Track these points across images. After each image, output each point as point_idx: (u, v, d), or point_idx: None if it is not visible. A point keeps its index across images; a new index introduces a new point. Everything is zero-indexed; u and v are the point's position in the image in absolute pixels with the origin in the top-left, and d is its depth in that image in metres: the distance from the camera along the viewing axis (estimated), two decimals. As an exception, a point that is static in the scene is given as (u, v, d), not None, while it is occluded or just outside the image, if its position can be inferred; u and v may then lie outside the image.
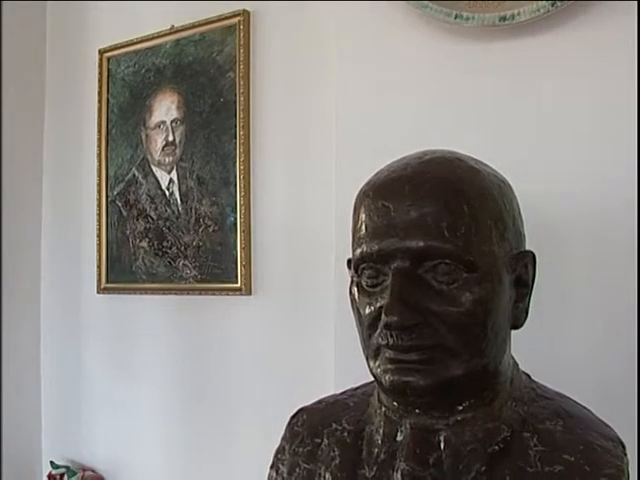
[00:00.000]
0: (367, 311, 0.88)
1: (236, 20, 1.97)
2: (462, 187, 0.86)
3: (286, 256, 1.91)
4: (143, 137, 2.19)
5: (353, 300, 0.92)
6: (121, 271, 2.22)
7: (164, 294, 2.12)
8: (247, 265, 1.95)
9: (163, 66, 2.14)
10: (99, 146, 2.28)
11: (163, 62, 2.14)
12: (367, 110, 1.55)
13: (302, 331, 1.86)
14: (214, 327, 2.04)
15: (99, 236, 2.27)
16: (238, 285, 1.95)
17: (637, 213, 1.24)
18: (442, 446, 0.88)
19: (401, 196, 0.86)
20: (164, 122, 2.13)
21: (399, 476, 0.88)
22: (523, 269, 0.91)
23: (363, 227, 0.88)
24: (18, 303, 2.37)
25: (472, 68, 1.42)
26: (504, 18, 1.33)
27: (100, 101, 2.28)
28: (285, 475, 1.03)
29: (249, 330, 1.97)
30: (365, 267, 0.88)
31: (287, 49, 1.93)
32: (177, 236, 2.09)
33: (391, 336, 0.84)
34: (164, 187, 2.13)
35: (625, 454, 0.88)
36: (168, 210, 2.11)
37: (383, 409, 0.94)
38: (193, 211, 2.06)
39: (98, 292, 2.28)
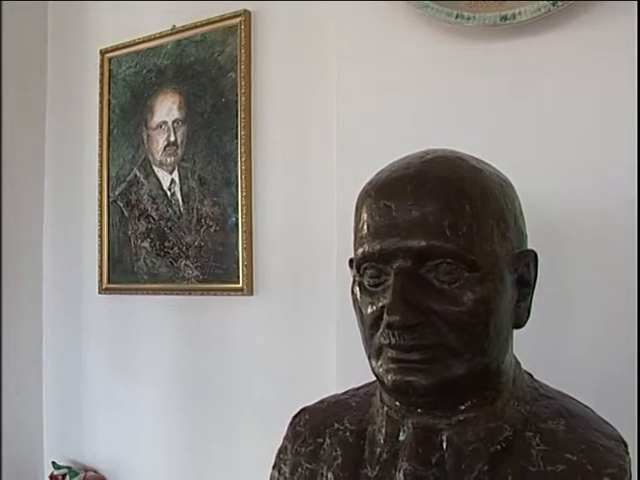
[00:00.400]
0: (369, 311, 0.88)
1: (237, 20, 1.97)
2: (464, 186, 0.86)
3: (288, 256, 1.91)
4: (144, 137, 2.19)
5: (355, 300, 0.92)
6: (123, 271, 2.23)
7: (166, 294, 2.12)
8: (249, 265, 1.95)
9: (164, 66, 2.14)
10: (100, 146, 2.28)
11: (164, 62, 2.14)
12: (368, 110, 1.55)
13: (304, 331, 1.86)
14: (216, 327, 2.04)
15: (100, 236, 2.27)
16: (240, 285, 1.95)
17: (637, 213, 1.24)
18: (444, 446, 0.88)
19: (403, 196, 0.86)
20: (165, 122, 2.13)
21: (401, 476, 0.88)
22: (525, 268, 0.91)
23: (365, 227, 0.88)
24: (20, 303, 2.37)
25: (473, 68, 1.42)
26: (505, 18, 1.33)
27: (101, 101, 2.28)
28: (287, 475, 1.03)
29: (251, 330, 1.97)
30: (367, 267, 0.88)
31: (288, 49, 1.93)
32: (179, 236, 2.09)
33: (393, 336, 0.84)
34: (166, 187, 2.13)
35: (627, 453, 0.88)
36: (170, 210, 2.12)
37: (385, 409, 0.94)
38: (195, 211, 2.06)
39: (99, 292, 2.28)
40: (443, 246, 0.84)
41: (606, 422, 0.92)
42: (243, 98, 1.96)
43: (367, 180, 0.93)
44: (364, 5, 1.54)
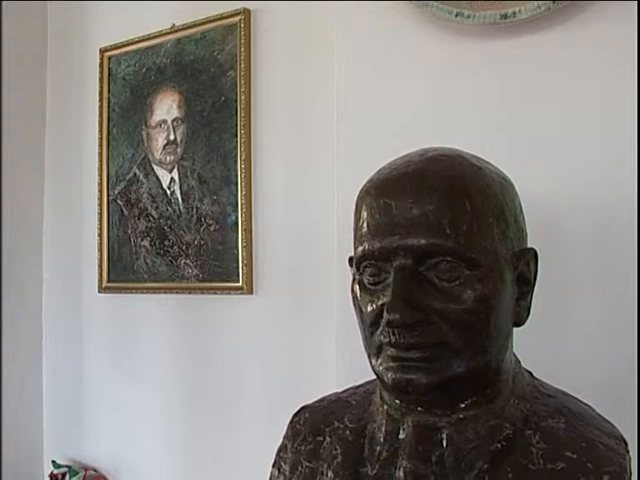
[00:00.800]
0: (369, 309, 0.88)
1: (237, 19, 1.97)
2: (464, 184, 0.86)
3: (287, 255, 1.91)
4: (144, 136, 2.19)
5: (355, 298, 0.92)
6: (122, 270, 2.23)
7: (165, 293, 2.12)
8: (248, 264, 1.95)
9: (164, 65, 2.14)
10: (100, 145, 2.28)
11: (164, 61, 2.14)
12: (368, 108, 1.54)
13: (304, 329, 1.86)
14: (216, 326, 2.04)
15: (100, 235, 2.27)
16: (239, 284, 1.95)
17: (637, 211, 1.24)
18: (444, 444, 0.88)
19: (403, 194, 0.85)
20: (165, 121, 2.13)
21: (401, 474, 0.88)
22: (525, 266, 0.91)
23: (365, 225, 0.88)
24: (20, 302, 2.37)
25: (473, 66, 1.42)
26: (505, 16, 1.33)
27: (101, 100, 2.28)
28: (287, 473, 1.03)
29: (251, 329, 1.97)
30: (367, 265, 0.88)
31: (288, 47, 1.93)
32: (178, 235, 2.09)
33: (393, 334, 0.84)
34: (165, 186, 2.13)
35: (627, 451, 0.88)
36: (169, 209, 2.12)
37: (385, 407, 0.94)
38: (194, 210, 2.06)
39: (99, 291, 2.28)
40: (443, 244, 0.83)
41: (606, 420, 0.92)
42: (243, 97, 1.96)
43: (367, 178, 0.93)
44: (364, 3, 1.54)
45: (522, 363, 0.98)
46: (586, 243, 1.30)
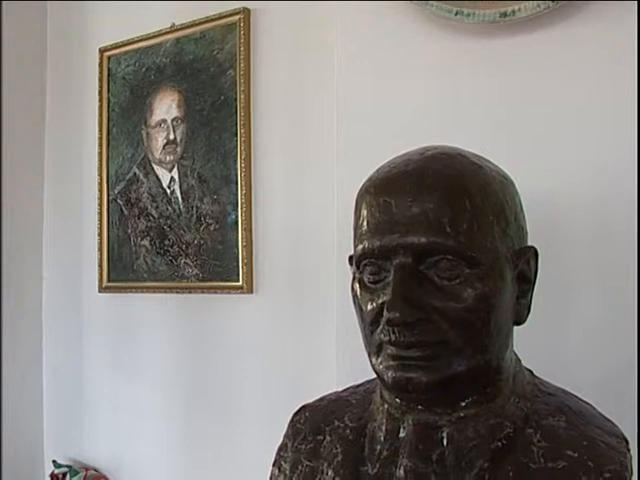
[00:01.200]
0: (369, 307, 0.88)
1: (236, 18, 1.97)
2: (464, 183, 0.86)
3: (288, 254, 1.91)
4: (144, 136, 2.19)
5: (355, 297, 0.92)
6: (122, 270, 2.22)
7: (165, 293, 2.12)
8: (248, 263, 1.95)
9: (164, 64, 2.14)
10: (100, 145, 2.28)
11: (164, 60, 2.14)
12: (368, 106, 1.54)
13: (304, 328, 1.86)
14: (216, 325, 2.04)
15: (100, 235, 2.27)
16: (240, 283, 1.95)
17: (637, 209, 1.24)
18: (445, 442, 0.88)
19: (403, 192, 0.85)
20: (165, 120, 2.13)
21: (402, 473, 0.88)
22: (525, 265, 0.91)
23: (365, 223, 0.88)
24: (20, 302, 2.37)
25: (473, 65, 1.42)
26: (504, 14, 1.33)
27: (101, 100, 2.28)
28: (287, 472, 1.03)
29: (251, 328, 1.97)
30: (367, 263, 0.88)
31: (287, 46, 1.93)
32: (178, 234, 2.09)
33: (393, 332, 0.84)
34: (165, 185, 2.13)
35: (628, 450, 0.88)
36: (169, 208, 2.11)
37: (385, 406, 0.94)
38: (194, 209, 2.06)
39: (99, 291, 2.28)
40: (443, 242, 0.83)
41: (607, 419, 0.92)
42: (242, 96, 1.96)
43: (367, 177, 0.93)
44: (364, 2, 1.54)
45: (522, 361, 0.97)
46: (586, 241, 1.30)
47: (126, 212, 2.22)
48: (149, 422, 2.18)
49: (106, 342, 2.30)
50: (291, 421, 1.08)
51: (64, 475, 2.23)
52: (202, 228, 2.04)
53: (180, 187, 2.09)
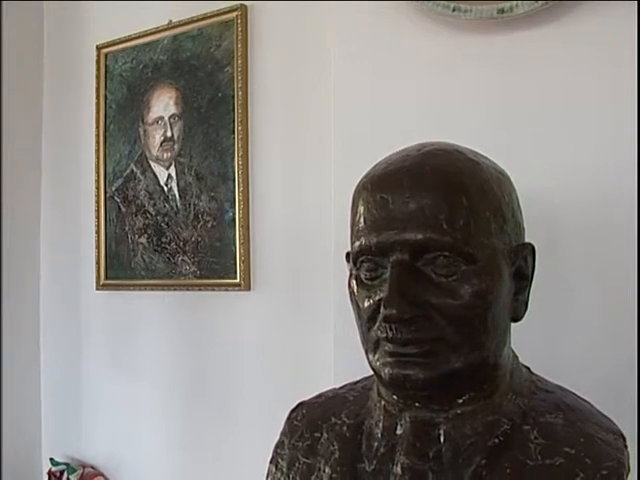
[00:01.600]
0: (366, 304, 0.88)
1: (234, 15, 1.96)
2: (461, 179, 0.86)
3: (285, 251, 1.91)
4: (141, 133, 2.18)
5: (352, 293, 0.91)
6: (120, 267, 2.22)
7: (163, 290, 2.12)
8: (246, 260, 1.94)
9: (161, 62, 2.13)
10: (97, 142, 2.27)
11: (161, 58, 2.13)
12: (365, 103, 1.54)
13: (301, 326, 1.86)
14: (213, 323, 2.04)
15: (98, 232, 2.27)
16: (237, 280, 1.95)
17: (637, 207, 1.24)
18: (442, 439, 0.88)
19: (399, 188, 0.85)
20: (162, 118, 2.12)
21: (399, 470, 0.88)
22: (523, 261, 0.91)
23: (362, 220, 0.88)
24: (17, 300, 2.37)
25: (470, 61, 1.41)
26: (502, 10, 1.32)
27: (98, 97, 2.28)
28: (284, 470, 1.03)
29: (248, 325, 1.97)
30: (364, 260, 0.88)
31: (285, 43, 1.92)
32: (176, 232, 2.09)
33: (390, 329, 0.84)
34: (162, 183, 2.12)
35: (626, 447, 0.88)
36: (167, 206, 2.11)
37: (383, 403, 0.94)
38: (192, 207, 2.05)
39: (97, 288, 2.28)
40: (440, 239, 0.83)
41: (605, 416, 0.92)
42: (240, 93, 1.95)
43: (364, 173, 0.93)
44: (361, -1, 1.54)
45: (520, 359, 0.97)
46: (585, 238, 1.29)
47: (123, 209, 2.22)
48: (147, 419, 2.18)
49: (104, 340, 2.30)
50: (288, 418, 1.08)
51: (61, 473, 2.23)
52: (199, 225, 2.03)
53: (177, 184, 2.09)
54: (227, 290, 1.98)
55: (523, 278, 0.92)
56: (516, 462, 0.85)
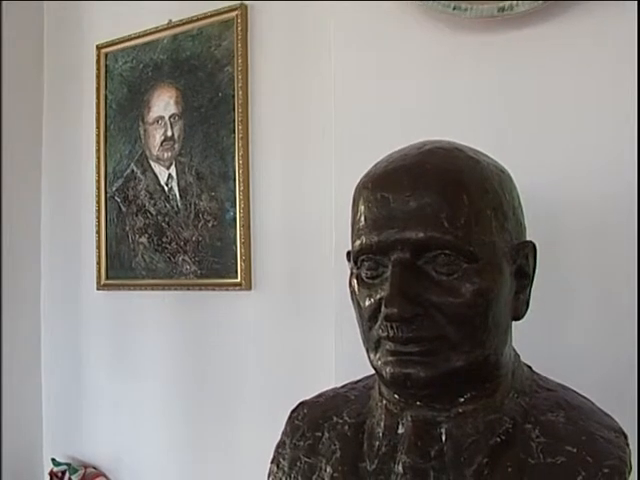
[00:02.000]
0: (367, 303, 0.88)
1: (234, 14, 1.96)
2: (461, 177, 0.86)
3: (286, 250, 1.91)
4: (141, 133, 2.18)
5: (353, 292, 0.91)
6: (121, 267, 2.22)
7: (164, 290, 2.12)
8: (247, 260, 1.94)
9: (161, 61, 2.13)
10: (97, 142, 2.27)
11: (161, 57, 2.13)
12: (366, 102, 1.54)
13: (302, 325, 1.86)
14: (214, 322, 2.04)
15: (98, 232, 2.27)
16: (238, 280, 1.95)
17: (637, 205, 1.24)
18: (443, 438, 0.87)
19: (400, 187, 0.85)
20: (162, 117, 2.12)
21: (400, 469, 0.88)
22: (524, 260, 0.91)
23: (362, 218, 0.88)
24: (18, 300, 2.37)
25: (471, 59, 1.41)
26: (502, 9, 1.32)
27: (98, 97, 2.28)
28: (286, 469, 1.02)
29: (249, 325, 1.97)
30: (365, 259, 0.88)
31: (285, 42, 1.92)
32: (176, 232, 2.09)
33: (391, 328, 0.84)
34: (163, 182, 2.12)
35: (627, 445, 0.88)
36: (167, 205, 2.11)
37: (384, 402, 0.94)
38: (192, 206, 2.05)
39: (98, 288, 2.28)
40: (441, 237, 0.83)
41: (606, 414, 0.92)
42: (240, 92, 1.95)
43: (365, 172, 0.93)
44: (361, -3, 1.54)
45: (521, 358, 0.97)
46: (586, 236, 1.29)
47: (124, 209, 2.22)
48: (148, 419, 2.17)
49: (104, 339, 2.29)
50: (289, 417, 1.08)
51: (63, 473, 2.23)
52: (200, 225, 2.03)
53: (178, 184, 2.09)
54: (228, 290, 1.98)
55: (524, 276, 0.91)
56: (518, 461, 0.85)
